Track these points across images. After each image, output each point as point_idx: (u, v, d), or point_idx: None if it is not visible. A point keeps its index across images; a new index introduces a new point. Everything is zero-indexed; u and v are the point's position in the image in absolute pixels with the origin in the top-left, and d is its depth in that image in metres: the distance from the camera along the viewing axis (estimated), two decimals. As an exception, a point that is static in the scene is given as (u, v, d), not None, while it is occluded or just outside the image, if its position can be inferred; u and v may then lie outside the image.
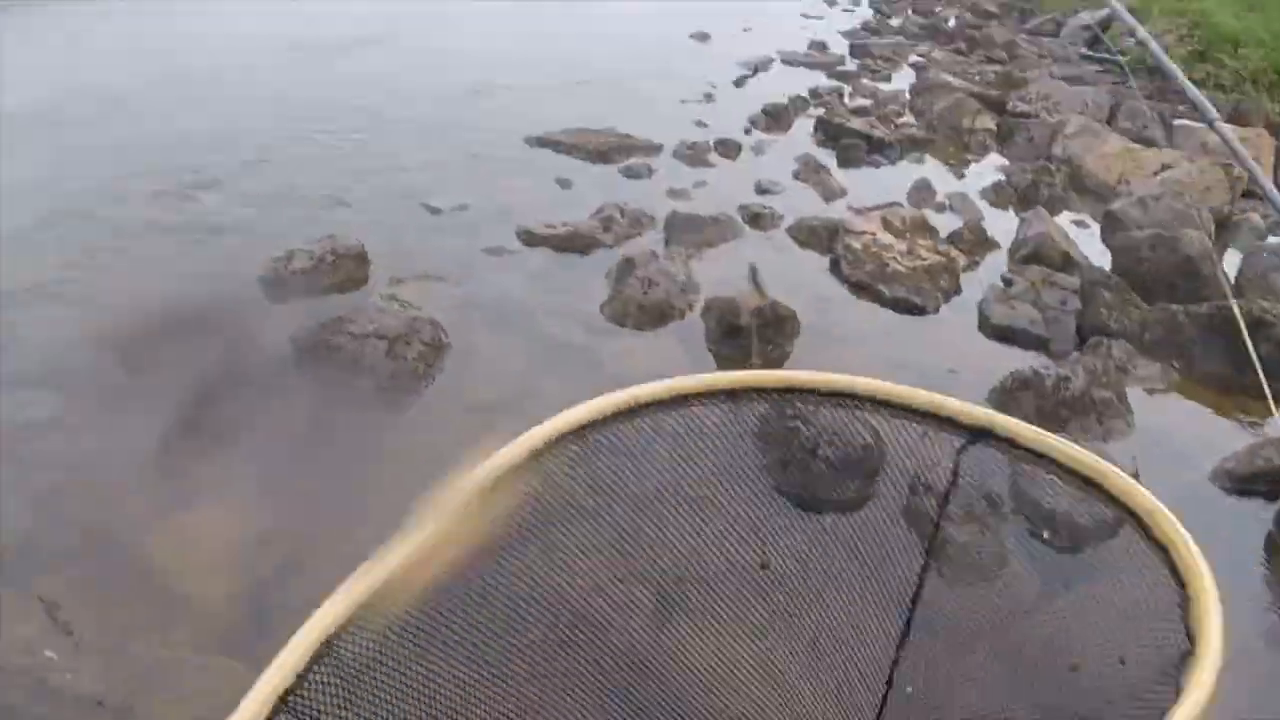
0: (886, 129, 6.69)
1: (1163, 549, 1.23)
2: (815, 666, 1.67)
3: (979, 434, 1.47)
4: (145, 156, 5.58)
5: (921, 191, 5.60)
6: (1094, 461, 1.36)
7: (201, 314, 3.71)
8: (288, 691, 1.10)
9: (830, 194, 5.62)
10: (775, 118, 7.03)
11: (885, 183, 5.90)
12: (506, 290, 4.15)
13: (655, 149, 6.14)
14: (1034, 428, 1.44)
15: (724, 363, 3.58)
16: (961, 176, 6.23)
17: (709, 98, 7.67)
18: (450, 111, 6.74)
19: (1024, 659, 1.48)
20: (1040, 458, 1.42)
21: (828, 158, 6.27)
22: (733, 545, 1.64)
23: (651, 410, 1.52)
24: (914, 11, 12.00)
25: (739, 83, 8.24)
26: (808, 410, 1.62)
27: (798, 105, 7.37)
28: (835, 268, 4.57)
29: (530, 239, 4.59)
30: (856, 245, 4.57)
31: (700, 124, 6.81)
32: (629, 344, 3.83)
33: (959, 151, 6.66)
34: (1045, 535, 1.58)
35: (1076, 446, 1.39)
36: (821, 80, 8.30)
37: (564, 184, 5.50)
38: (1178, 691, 1.08)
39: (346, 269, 4.15)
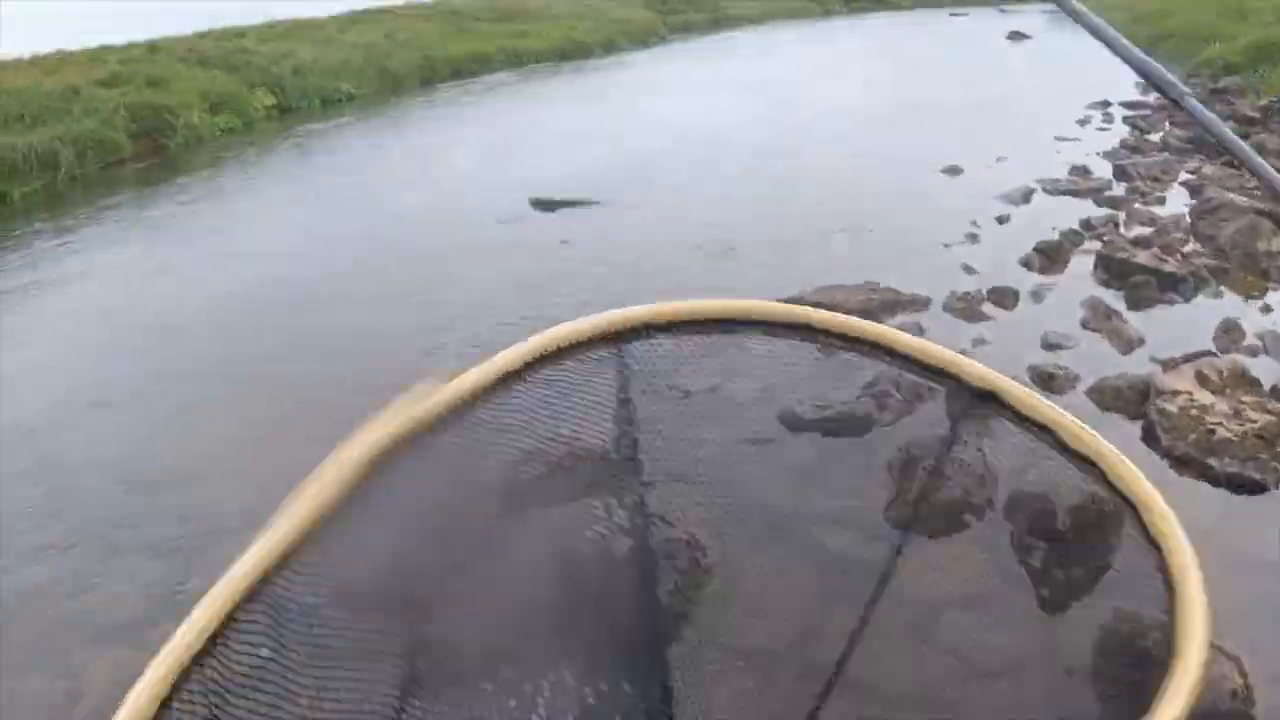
0: (1174, 260, 6.16)
1: (1156, 547, 1.18)
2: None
3: (984, 397, 1.43)
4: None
5: (1230, 333, 5.11)
6: (1096, 442, 1.31)
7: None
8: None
9: (1127, 344, 5.16)
10: (1050, 256, 6.64)
11: (1185, 325, 5.40)
12: (773, 491, 3.83)
13: (922, 303, 5.83)
14: (1041, 398, 1.40)
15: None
16: (1268, 310, 5.62)
17: (972, 238, 7.35)
18: (689, 274, 6.56)
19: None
20: (1043, 430, 1.37)
21: (1115, 299, 5.79)
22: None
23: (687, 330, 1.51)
24: (1172, 124, 11.28)
25: (1002, 219, 7.87)
26: (822, 352, 1.56)
27: (1071, 240, 6.95)
28: (1150, 437, 4.12)
29: (795, 423, 4.27)
30: (1172, 409, 4.14)
31: (968, 269, 6.49)
32: (922, 556, 3.46)
33: (1259, 280, 6.06)
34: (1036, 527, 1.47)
35: (1081, 424, 1.34)
36: (1091, 209, 7.84)
37: (824, 353, 5.21)
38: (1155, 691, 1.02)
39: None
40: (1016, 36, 28.27)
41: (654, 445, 1.63)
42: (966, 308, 5.72)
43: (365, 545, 1.32)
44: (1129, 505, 1.25)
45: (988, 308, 5.81)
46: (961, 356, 1.45)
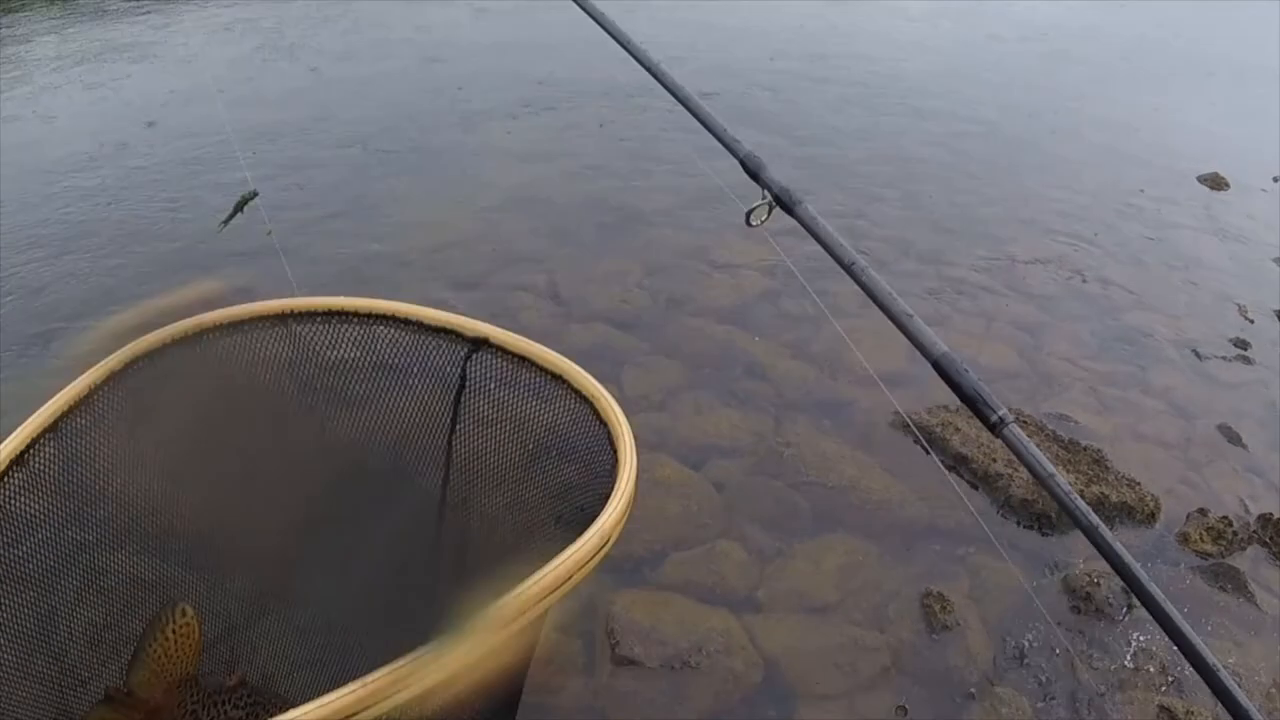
0: None
1: (605, 424, 1.75)
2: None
3: (479, 343, 1.92)
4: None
5: None
6: (562, 361, 1.84)
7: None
8: None
9: None
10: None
11: None
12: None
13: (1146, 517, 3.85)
14: (520, 337, 1.89)
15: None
16: None
17: (1240, 349, 4.93)
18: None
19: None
20: (524, 360, 1.88)
21: None
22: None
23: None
24: None
25: None
26: (342, 330, 1.98)
27: None
28: None
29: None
30: None
31: (1228, 440, 4.30)
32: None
33: None
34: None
35: (549, 351, 1.87)
36: None
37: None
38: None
39: None
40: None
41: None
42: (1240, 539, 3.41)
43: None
44: (586, 400, 1.79)
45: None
46: (458, 315, 1.95)
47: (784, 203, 2.04)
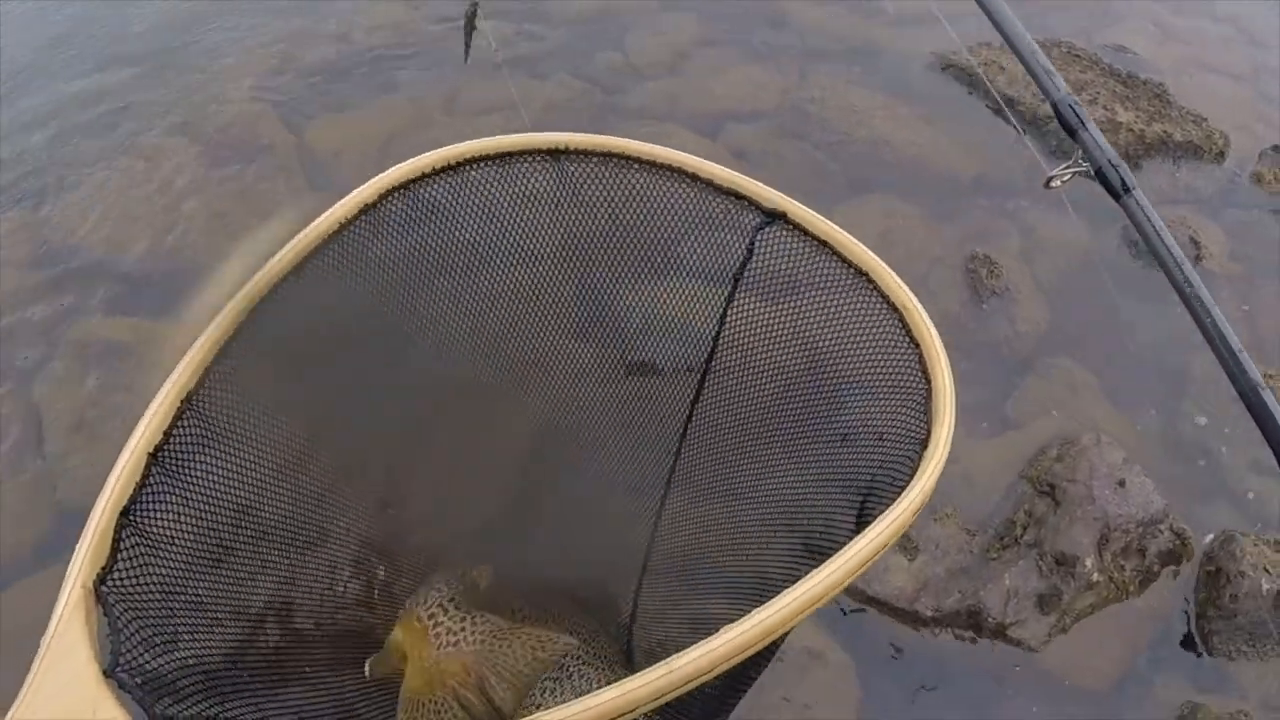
0: None
1: (916, 345, 1.40)
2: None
3: (775, 215, 1.60)
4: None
5: None
6: (867, 255, 1.49)
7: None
8: (157, 449, 1.29)
9: None
10: None
11: None
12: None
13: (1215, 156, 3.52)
14: (822, 218, 1.55)
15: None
16: None
17: None
18: None
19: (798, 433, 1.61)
20: (824, 245, 1.54)
21: None
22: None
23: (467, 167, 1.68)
24: None
25: None
26: (619, 173, 1.71)
27: None
28: None
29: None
30: None
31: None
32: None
33: None
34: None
35: (854, 240, 1.51)
36: None
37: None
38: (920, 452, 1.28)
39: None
40: None
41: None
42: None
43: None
44: (894, 309, 1.44)
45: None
46: (753, 180, 1.61)
47: (1109, 182, 1.63)
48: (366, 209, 1.59)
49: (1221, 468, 2.71)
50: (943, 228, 3.11)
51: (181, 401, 1.33)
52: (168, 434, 1.30)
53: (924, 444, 1.28)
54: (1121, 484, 2.56)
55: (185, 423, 1.33)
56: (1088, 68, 3.64)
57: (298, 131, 3.43)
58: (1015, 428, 2.73)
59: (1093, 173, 1.65)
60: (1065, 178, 1.73)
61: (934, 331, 1.38)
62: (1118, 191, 1.63)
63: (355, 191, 1.59)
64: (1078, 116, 1.66)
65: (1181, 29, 4.03)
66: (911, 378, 1.38)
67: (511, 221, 1.73)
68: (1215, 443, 2.74)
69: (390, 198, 1.62)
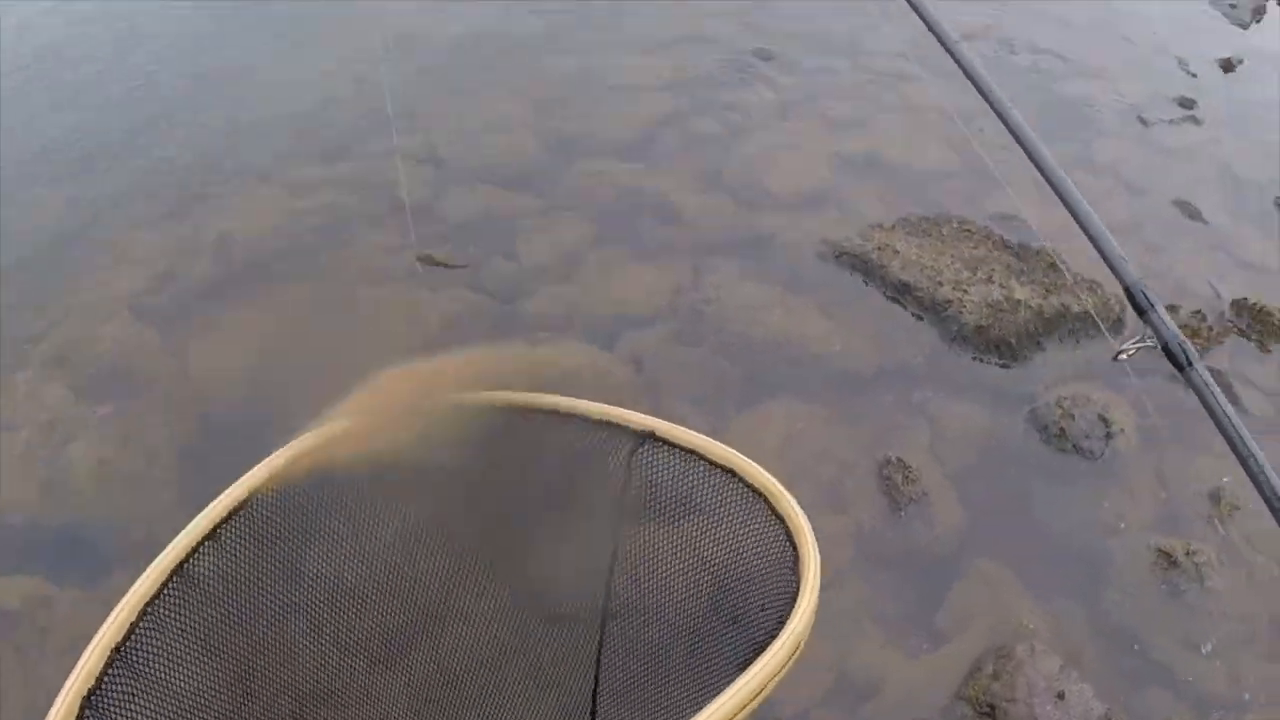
0: None
1: (781, 520, 1.64)
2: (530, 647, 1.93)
3: (645, 437, 1.84)
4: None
5: None
6: (732, 454, 1.75)
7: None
8: (90, 692, 1.40)
9: None
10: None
11: None
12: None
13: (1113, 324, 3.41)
14: (687, 430, 1.81)
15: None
16: None
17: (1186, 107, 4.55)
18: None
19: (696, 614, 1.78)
20: (692, 453, 1.79)
21: None
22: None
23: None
24: None
25: (1227, 65, 5.26)
26: (505, 420, 1.93)
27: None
28: None
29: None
30: None
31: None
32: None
33: None
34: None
35: (719, 444, 1.78)
36: None
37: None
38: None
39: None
40: None
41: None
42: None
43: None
44: (760, 495, 1.69)
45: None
46: (621, 409, 1.87)
47: (1174, 357, 1.72)
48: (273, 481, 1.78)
49: (1154, 650, 2.62)
50: (849, 429, 3.03)
51: (111, 651, 1.47)
52: (99, 680, 1.43)
53: (794, 599, 1.51)
54: (1061, 696, 2.46)
55: (114, 671, 1.46)
56: (980, 242, 3.64)
57: (181, 356, 3.30)
58: (946, 641, 2.62)
59: (1159, 348, 1.76)
60: (1131, 351, 1.81)
61: (796, 507, 1.63)
62: (1182, 365, 1.71)
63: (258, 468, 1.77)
64: (1148, 300, 1.77)
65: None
66: (781, 549, 1.62)
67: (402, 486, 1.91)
68: (1144, 627, 2.65)
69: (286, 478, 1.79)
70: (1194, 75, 4.98)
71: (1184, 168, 4.30)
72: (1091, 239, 1.95)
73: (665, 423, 1.83)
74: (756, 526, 1.68)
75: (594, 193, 3.97)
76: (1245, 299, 3.60)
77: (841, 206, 3.82)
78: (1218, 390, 1.67)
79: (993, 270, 3.49)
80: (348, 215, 3.85)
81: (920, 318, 3.39)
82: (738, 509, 1.72)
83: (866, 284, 3.50)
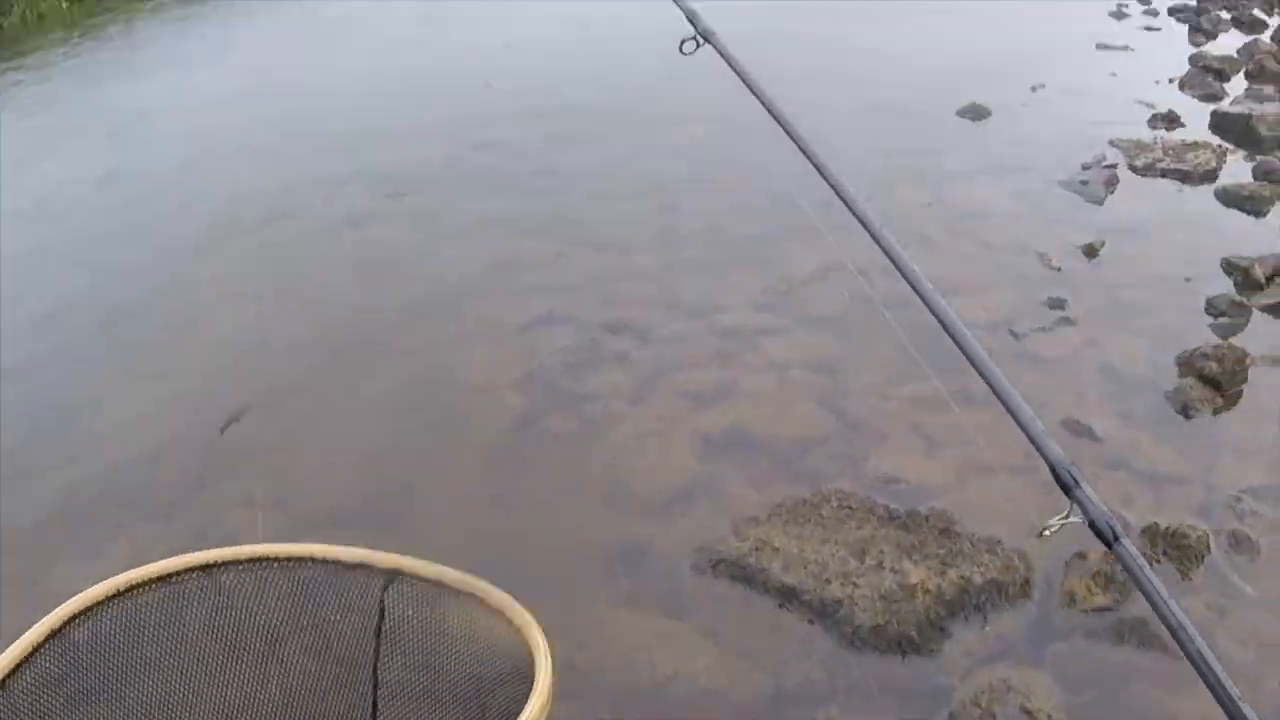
0: None
1: (518, 629, 1.84)
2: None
3: (393, 574, 2.00)
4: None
5: None
6: (472, 581, 1.94)
7: None
8: None
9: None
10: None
11: None
12: None
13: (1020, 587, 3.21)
14: (431, 563, 1.99)
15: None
16: None
17: (1058, 309, 4.60)
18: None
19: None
20: (438, 584, 1.97)
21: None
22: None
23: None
24: (1227, 10, 9.48)
25: (1093, 249, 5.11)
26: (264, 574, 2.05)
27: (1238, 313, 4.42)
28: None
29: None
30: None
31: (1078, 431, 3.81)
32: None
33: None
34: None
35: (460, 573, 1.97)
36: (1231, 217, 5.47)
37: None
38: None
39: None
40: None
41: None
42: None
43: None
44: (500, 613, 1.87)
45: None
46: (369, 550, 2.02)
47: (1102, 534, 1.73)
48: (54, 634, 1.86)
49: None
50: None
51: None
52: None
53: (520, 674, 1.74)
54: None
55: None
56: (864, 519, 3.37)
57: None
58: None
59: (1086, 524, 1.76)
60: (1055, 527, 1.77)
61: (529, 618, 1.82)
62: (1109, 541, 1.72)
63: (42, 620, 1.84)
64: (1073, 477, 1.78)
65: (945, 432, 3.85)
66: (520, 654, 1.79)
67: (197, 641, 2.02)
68: None
69: (73, 624, 1.88)
70: (1059, 270, 4.88)
71: (1066, 381, 4.11)
72: (1013, 414, 1.93)
73: (410, 559, 2.01)
74: (498, 640, 1.87)
75: (452, 530, 3.65)
76: (1156, 524, 3.35)
77: (713, 500, 3.55)
78: (1145, 564, 1.66)
79: (882, 553, 3.20)
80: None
81: (812, 622, 3.08)
82: (482, 627, 1.92)
83: (750, 594, 3.19)
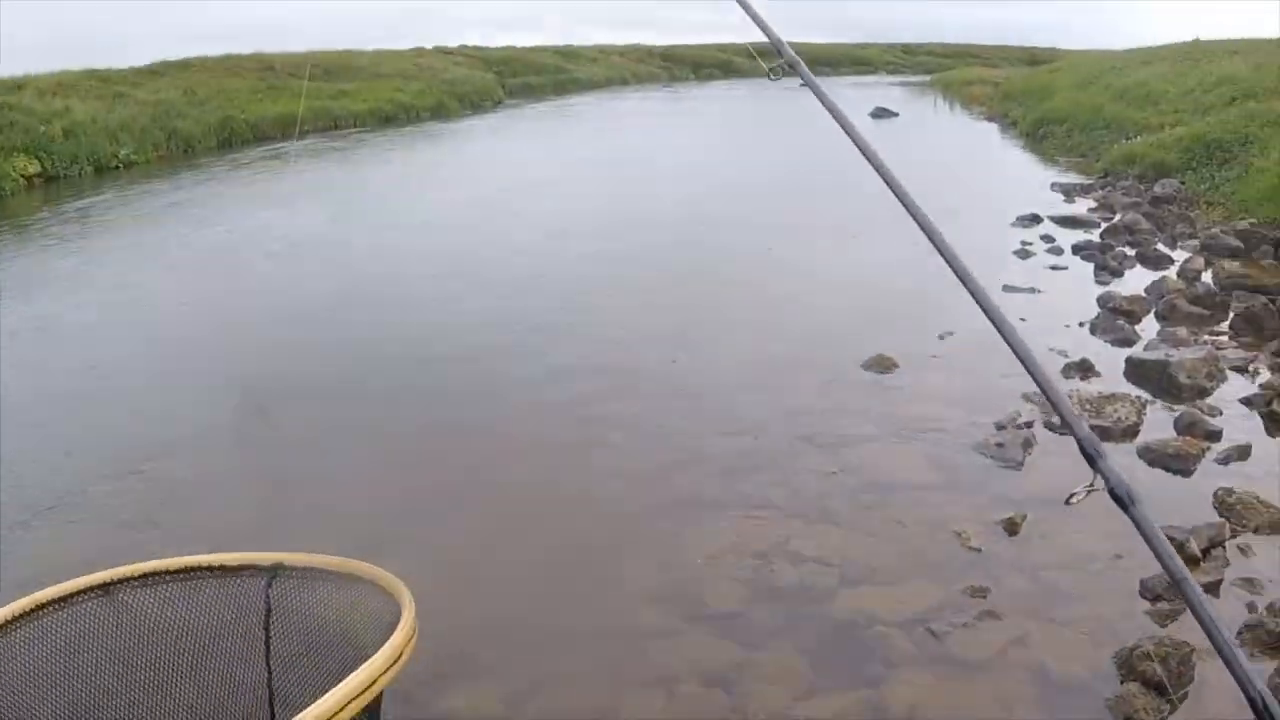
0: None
1: (390, 594, 2.08)
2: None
3: (275, 570, 2.22)
4: None
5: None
6: (349, 563, 2.19)
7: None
8: None
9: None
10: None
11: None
12: None
13: None
14: (309, 555, 2.22)
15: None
16: None
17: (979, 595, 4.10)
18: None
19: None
20: (314, 570, 2.21)
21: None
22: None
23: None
24: (1130, 247, 10.03)
25: (1014, 525, 4.74)
26: (159, 590, 2.22)
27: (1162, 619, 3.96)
28: None
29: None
30: None
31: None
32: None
33: None
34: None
35: (337, 557, 2.22)
36: (1158, 479, 5.17)
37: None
38: None
39: None
40: (882, 114, 27.29)
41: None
42: None
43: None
44: (373, 583, 2.12)
45: None
46: (252, 552, 2.25)
47: (1120, 500, 1.79)
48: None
49: None
50: None
51: None
52: None
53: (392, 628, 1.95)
54: None
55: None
56: None
57: None
58: None
59: (1106, 491, 1.82)
60: (1082, 495, 1.86)
61: (395, 579, 2.12)
62: (1126, 504, 1.78)
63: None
64: (1097, 450, 1.85)
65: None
66: (395, 613, 2.01)
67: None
68: None
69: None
70: (978, 551, 4.42)
71: (993, 687, 3.59)
72: (1047, 396, 2.03)
73: (290, 554, 2.21)
74: (374, 605, 2.10)
75: None
76: None
77: None
78: (1158, 528, 1.74)
79: None
80: None
81: None
82: (360, 598, 2.14)
83: None
